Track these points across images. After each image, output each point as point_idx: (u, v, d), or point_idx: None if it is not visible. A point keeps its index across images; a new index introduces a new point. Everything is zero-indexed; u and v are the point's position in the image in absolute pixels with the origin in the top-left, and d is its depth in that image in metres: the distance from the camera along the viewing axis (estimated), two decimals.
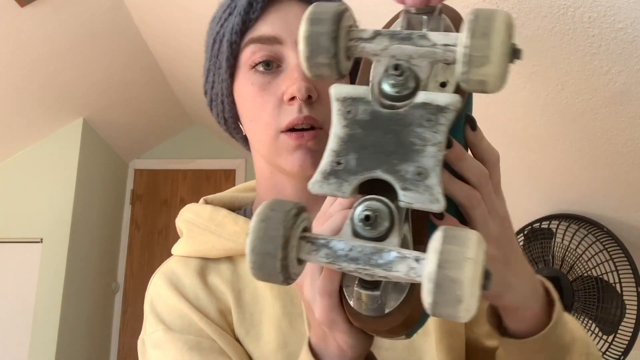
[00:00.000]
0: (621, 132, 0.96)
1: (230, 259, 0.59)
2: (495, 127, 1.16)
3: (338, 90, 0.34)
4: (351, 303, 0.36)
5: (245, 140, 0.65)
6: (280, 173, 0.57)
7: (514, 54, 0.30)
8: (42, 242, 2.55)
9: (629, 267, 1.18)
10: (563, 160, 1.15)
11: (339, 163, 0.32)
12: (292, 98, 0.52)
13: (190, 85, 2.68)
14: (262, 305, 0.55)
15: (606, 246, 1.21)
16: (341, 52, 0.33)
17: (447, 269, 0.26)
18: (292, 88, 0.51)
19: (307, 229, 0.32)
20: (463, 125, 0.37)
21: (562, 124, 1.03)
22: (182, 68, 2.53)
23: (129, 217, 3.26)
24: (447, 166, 0.36)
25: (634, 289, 1.16)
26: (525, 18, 0.83)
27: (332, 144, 0.32)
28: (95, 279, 2.84)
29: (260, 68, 0.54)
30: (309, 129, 0.52)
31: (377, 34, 0.34)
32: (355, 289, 0.35)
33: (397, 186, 0.30)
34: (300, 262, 0.31)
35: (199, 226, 0.60)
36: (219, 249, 0.58)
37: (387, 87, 0.33)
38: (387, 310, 0.34)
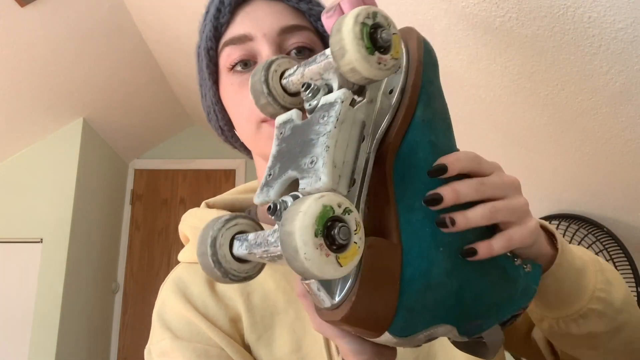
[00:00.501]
0: (621, 132, 0.96)
1: None
2: (495, 127, 1.16)
3: (277, 119, 0.41)
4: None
5: (244, 147, 0.66)
6: None
7: (371, 36, 0.33)
8: (42, 242, 2.55)
9: (629, 267, 1.18)
10: (563, 160, 1.15)
11: (270, 175, 0.37)
12: None
13: (190, 85, 2.68)
14: (274, 308, 0.55)
15: (606, 246, 1.22)
16: (274, 90, 0.42)
17: (284, 226, 0.29)
18: None
19: (242, 232, 0.38)
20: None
21: (562, 124, 1.03)
22: (182, 68, 2.53)
23: (129, 217, 3.26)
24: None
25: (634, 288, 1.16)
26: (525, 18, 0.83)
27: (268, 162, 0.39)
28: (95, 279, 2.84)
29: (239, 68, 0.56)
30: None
31: (297, 67, 0.41)
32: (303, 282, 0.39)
33: (298, 178, 0.34)
34: (238, 259, 0.37)
35: None
36: None
37: (305, 104, 0.39)
38: (336, 300, 0.36)
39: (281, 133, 0.39)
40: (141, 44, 2.51)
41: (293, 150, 0.36)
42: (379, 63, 0.33)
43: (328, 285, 0.36)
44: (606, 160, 1.06)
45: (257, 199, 0.37)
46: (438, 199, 0.37)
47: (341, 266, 0.29)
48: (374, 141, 0.38)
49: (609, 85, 0.86)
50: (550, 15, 0.80)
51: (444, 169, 0.38)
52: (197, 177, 3.36)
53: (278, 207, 0.35)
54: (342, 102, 0.35)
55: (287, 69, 0.43)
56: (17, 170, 2.66)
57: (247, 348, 0.54)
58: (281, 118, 0.40)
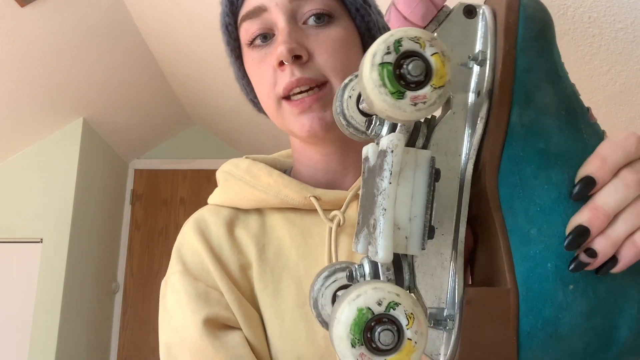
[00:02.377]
0: None
1: (260, 212, 0.59)
2: None
3: (362, 152, 0.35)
4: None
5: None
6: (304, 142, 0.58)
7: (398, 73, 0.27)
8: (42, 242, 2.54)
9: None
10: None
11: (358, 223, 0.33)
12: (281, 63, 0.52)
13: (190, 85, 2.68)
14: (285, 262, 0.55)
15: None
16: (353, 120, 0.38)
17: (330, 329, 0.28)
18: (277, 53, 0.51)
19: (343, 287, 0.34)
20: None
21: None
22: (182, 68, 2.53)
23: (129, 217, 3.25)
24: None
25: None
26: None
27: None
28: (95, 279, 2.84)
29: (258, 42, 0.55)
30: (308, 90, 0.52)
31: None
32: None
33: (368, 240, 0.30)
34: None
35: (235, 176, 0.61)
36: (250, 200, 0.58)
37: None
38: None
39: (363, 172, 0.34)
40: (141, 44, 2.51)
41: (368, 200, 0.31)
42: (415, 104, 0.27)
43: (430, 345, 0.32)
44: None
45: (354, 247, 0.33)
46: (583, 233, 0.28)
47: None
48: (469, 160, 0.31)
49: (609, 85, 0.86)
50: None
51: (590, 182, 0.29)
52: (197, 177, 3.36)
53: (354, 274, 0.31)
54: (393, 151, 0.28)
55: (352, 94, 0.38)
56: (17, 170, 2.65)
57: (255, 297, 0.55)
58: (363, 152, 0.34)
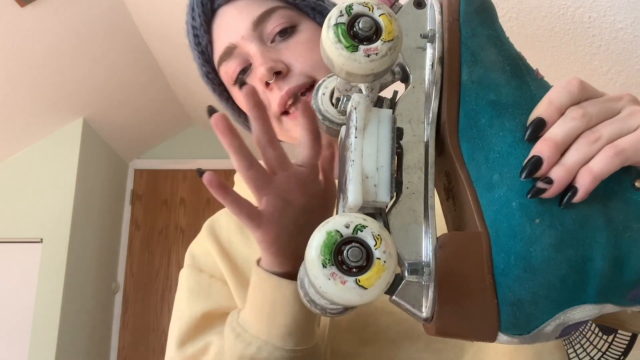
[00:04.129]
0: None
1: None
2: None
3: (338, 141, 0.38)
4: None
5: None
6: None
7: (351, 32, 0.31)
8: (42, 242, 2.54)
9: None
10: None
11: (338, 201, 0.37)
12: (267, 84, 0.55)
13: (190, 85, 2.68)
14: None
15: None
16: (328, 114, 0.41)
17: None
18: (259, 76, 0.54)
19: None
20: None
21: None
22: (182, 68, 2.53)
23: (129, 217, 3.25)
24: None
25: None
26: (525, 18, 0.83)
27: None
28: (95, 279, 2.84)
29: (240, 77, 0.58)
30: (298, 100, 0.55)
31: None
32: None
33: (342, 200, 0.33)
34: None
35: None
36: None
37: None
38: (423, 313, 0.34)
39: (340, 155, 0.37)
40: (141, 44, 2.51)
41: (340, 171, 0.34)
42: (368, 55, 0.30)
43: (412, 298, 0.32)
44: None
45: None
46: (538, 162, 0.30)
47: (365, 289, 0.27)
48: (429, 125, 0.34)
49: (609, 85, 0.86)
50: (550, 15, 0.80)
51: (540, 123, 0.31)
52: (197, 177, 3.34)
53: None
54: (356, 108, 0.32)
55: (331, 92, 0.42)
56: (17, 170, 2.65)
57: None
58: (340, 140, 0.38)
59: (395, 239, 0.32)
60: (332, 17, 0.31)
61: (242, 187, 0.64)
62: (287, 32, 0.56)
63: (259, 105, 0.36)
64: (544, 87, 0.34)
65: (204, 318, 0.56)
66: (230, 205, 0.36)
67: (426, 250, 0.32)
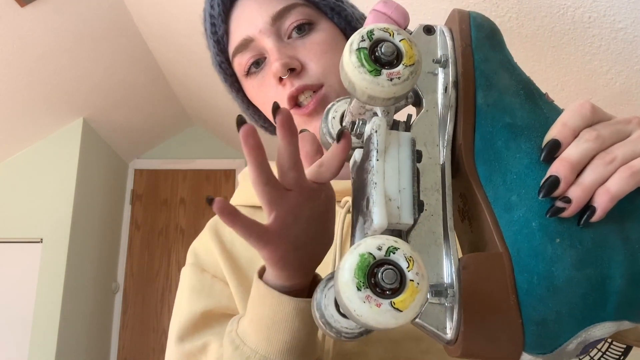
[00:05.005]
0: None
1: None
2: None
3: (349, 164, 0.39)
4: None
5: None
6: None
7: (373, 56, 0.31)
8: (42, 242, 2.54)
9: None
10: None
11: (353, 226, 0.36)
12: (280, 79, 0.56)
13: (190, 85, 2.68)
14: None
15: None
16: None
17: (334, 285, 0.29)
18: (273, 71, 0.55)
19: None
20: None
21: None
22: (182, 68, 2.53)
23: (129, 217, 3.25)
24: None
25: None
26: (525, 18, 0.83)
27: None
28: (95, 279, 2.84)
29: (253, 69, 0.59)
30: (309, 96, 0.56)
31: (348, 106, 0.41)
32: None
33: (363, 223, 0.33)
34: (346, 316, 0.34)
35: None
36: None
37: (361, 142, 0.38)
38: (447, 335, 0.34)
39: (352, 178, 0.38)
40: (141, 44, 2.51)
41: (358, 194, 0.35)
42: (391, 79, 0.31)
43: (435, 320, 0.32)
44: None
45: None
46: (555, 182, 0.31)
47: (401, 311, 0.27)
48: (444, 148, 0.35)
49: (609, 85, 0.86)
50: (550, 15, 0.80)
51: (555, 144, 0.32)
52: (197, 177, 3.36)
53: None
54: (377, 131, 0.33)
55: (345, 110, 0.42)
56: (17, 170, 2.65)
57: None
58: (350, 162, 0.38)
59: None
60: (354, 41, 0.32)
61: (247, 185, 0.64)
62: (304, 30, 0.57)
63: (293, 132, 0.36)
64: (556, 111, 0.35)
65: (204, 316, 0.56)
66: (240, 230, 0.36)
67: (448, 272, 0.32)
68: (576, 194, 0.31)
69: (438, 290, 0.32)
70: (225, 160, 3.36)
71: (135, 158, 3.38)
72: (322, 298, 0.35)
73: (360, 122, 0.37)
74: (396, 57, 0.31)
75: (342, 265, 0.28)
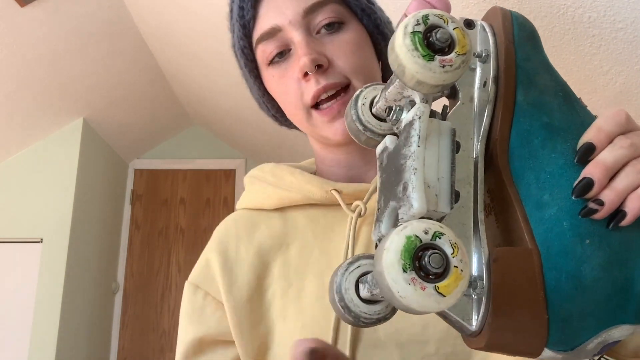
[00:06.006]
0: None
1: (283, 212, 0.62)
2: None
3: (376, 150, 0.39)
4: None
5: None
6: (329, 145, 0.60)
7: (427, 41, 0.31)
8: (42, 242, 2.54)
9: None
10: None
11: (378, 209, 0.36)
12: (305, 74, 0.54)
13: (190, 85, 2.68)
14: (307, 259, 0.57)
15: None
16: (369, 124, 0.41)
17: (375, 266, 0.29)
18: (300, 65, 0.54)
19: (367, 272, 0.36)
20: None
21: None
22: (182, 68, 2.53)
23: (129, 217, 3.25)
24: None
25: None
26: None
27: (377, 195, 0.37)
28: (95, 279, 2.84)
29: (277, 59, 0.57)
30: (334, 95, 0.55)
31: (381, 92, 0.39)
32: None
33: (397, 207, 0.33)
34: (367, 301, 0.35)
35: (259, 179, 0.63)
36: (273, 198, 0.61)
37: (394, 128, 0.37)
38: (473, 326, 0.34)
39: (381, 163, 0.37)
40: (141, 44, 2.51)
41: (390, 179, 0.35)
42: (443, 66, 0.30)
43: (461, 310, 0.33)
44: None
45: (373, 236, 0.36)
46: (589, 184, 0.32)
47: (444, 296, 0.27)
48: (479, 142, 0.35)
49: (609, 85, 0.86)
50: (550, 15, 0.80)
51: (590, 148, 0.33)
52: (197, 177, 3.36)
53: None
54: (420, 117, 0.32)
55: (375, 97, 0.42)
56: (17, 170, 2.65)
57: (267, 298, 0.57)
58: (378, 148, 0.38)
59: None
60: (408, 24, 0.31)
61: (252, 190, 0.64)
62: (333, 27, 0.56)
63: None
64: (589, 116, 0.36)
65: (194, 344, 0.57)
66: None
67: (477, 264, 0.33)
68: (609, 197, 0.32)
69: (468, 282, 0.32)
70: (225, 160, 3.36)
71: (135, 158, 3.38)
72: (343, 282, 0.35)
73: (397, 108, 0.37)
74: (449, 45, 0.31)
75: (387, 246, 0.28)
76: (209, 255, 0.61)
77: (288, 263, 0.57)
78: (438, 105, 0.38)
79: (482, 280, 0.32)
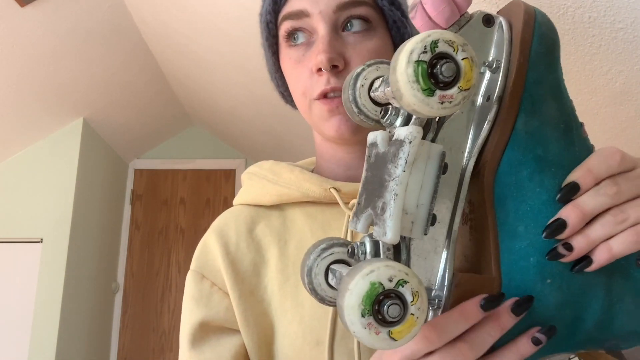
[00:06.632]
0: (621, 132, 0.96)
1: (281, 209, 0.62)
2: None
3: (368, 138, 0.37)
4: None
5: None
6: (328, 140, 0.61)
7: (431, 72, 0.29)
8: (42, 242, 2.54)
9: None
10: None
11: (359, 204, 0.36)
12: (319, 69, 0.55)
13: (190, 85, 2.68)
14: None
15: None
16: (364, 107, 0.39)
17: (338, 297, 0.30)
18: (316, 60, 0.54)
19: (339, 261, 0.38)
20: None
21: None
22: (182, 68, 2.53)
23: (129, 217, 3.25)
24: None
25: None
26: None
27: (359, 188, 0.37)
28: (95, 279, 2.84)
29: (294, 42, 0.57)
30: (339, 96, 0.54)
31: (382, 81, 0.38)
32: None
33: (373, 220, 0.33)
34: (333, 287, 0.37)
35: (258, 175, 0.64)
36: (273, 195, 0.61)
37: (387, 131, 0.36)
38: None
39: (369, 157, 0.36)
40: (141, 44, 2.51)
41: (374, 184, 0.34)
42: (442, 102, 0.29)
43: None
44: None
45: (351, 226, 0.36)
46: (562, 225, 0.32)
47: (395, 340, 0.28)
48: (470, 158, 0.35)
49: (609, 85, 0.86)
50: (550, 15, 0.80)
51: (574, 188, 0.32)
52: (197, 177, 3.36)
53: (355, 251, 0.34)
54: (411, 142, 0.31)
55: (376, 78, 0.40)
56: (17, 170, 2.65)
57: (266, 293, 0.57)
58: (370, 138, 0.37)
59: (413, 263, 0.34)
60: (414, 50, 0.29)
61: (251, 184, 0.64)
62: (360, 29, 0.55)
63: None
64: (587, 148, 0.36)
65: (201, 327, 0.57)
66: None
67: (440, 281, 0.34)
68: (579, 244, 0.32)
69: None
70: (225, 160, 3.36)
71: (135, 158, 3.38)
72: (314, 266, 0.37)
73: (393, 112, 0.35)
74: (454, 78, 0.30)
75: (351, 287, 0.28)
76: (211, 246, 0.61)
77: (286, 258, 0.58)
78: None
79: (440, 298, 0.33)
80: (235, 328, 0.57)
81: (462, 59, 0.30)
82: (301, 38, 0.57)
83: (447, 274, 0.33)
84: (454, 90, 0.29)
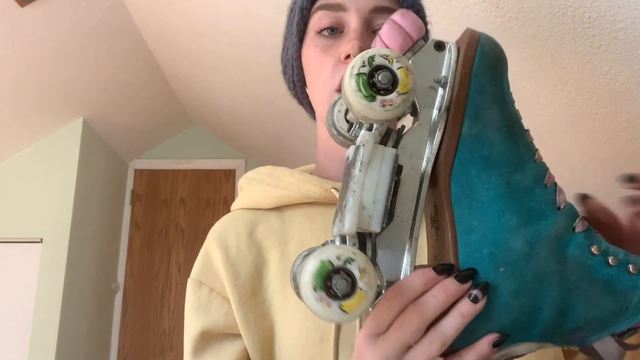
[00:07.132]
0: (621, 132, 0.96)
1: (281, 211, 0.63)
2: None
3: (347, 152, 0.42)
4: None
5: (310, 106, 0.68)
6: None
7: (370, 82, 0.35)
8: (42, 242, 2.54)
9: None
10: (562, 161, 1.15)
11: (335, 213, 0.39)
12: (348, 57, 0.56)
13: (190, 85, 2.68)
14: None
15: None
16: (342, 130, 0.44)
17: (298, 278, 0.35)
18: (347, 46, 0.55)
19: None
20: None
21: (561, 124, 1.03)
22: (182, 68, 2.53)
23: (129, 217, 3.25)
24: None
25: None
26: (525, 18, 0.83)
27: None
28: (95, 279, 2.84)
29: (325, 33, 0.59)
30: None
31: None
32: None
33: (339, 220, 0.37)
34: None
35: (257, 180, 0.65)
36: (273, 197, 0.62)
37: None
38: None
39: (344, 170, 0.41)
40: (141, 44, 2.51)
41: (344, 189, 0.38)
42: (384, 106, 0.34)
43: None
44: (606, 160, 1.06)
45: (331, 230, 0.40)
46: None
47: (346, 313, 0.32)
48: (428, 163, 0.39)
49: (609, 85, 0.86)
50: (550, 15, 0.80)
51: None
52: (197, 177, 3.36)
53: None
54: (364, 145, 0.36)
55: (345, 110, 0.46)
56: (17, 170, 2.65)
57: (268, 293, 0.58)
58: (346, 154, 0.42)
59: (379, 258, 0.37)
60: (355, 66, 0.35)
61: (250, 189, 0.64)
62: None
63: None
64: (531, 151, 0.40)
65: (202, 336, 0.57)
66: None
67: (403, 274, 0.38)
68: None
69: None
70: (225, 160, 3.36)
71: (135, 158, 3.38)
72: (298, 272, 0.40)
73: (357, 125, 0.42)
74: (392, 84, 0.35)
75: (304, 267, 0.33)
76: (211, 251, 0.61)
77: (287, 258, 0.58)
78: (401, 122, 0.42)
79: None
80: (236, 332, 0.57)
81: (398, 68, 0.35)
82: (330, 32, 0.58)
83: (410, 268, 0.37)
84: (393, 95, 0.35)
